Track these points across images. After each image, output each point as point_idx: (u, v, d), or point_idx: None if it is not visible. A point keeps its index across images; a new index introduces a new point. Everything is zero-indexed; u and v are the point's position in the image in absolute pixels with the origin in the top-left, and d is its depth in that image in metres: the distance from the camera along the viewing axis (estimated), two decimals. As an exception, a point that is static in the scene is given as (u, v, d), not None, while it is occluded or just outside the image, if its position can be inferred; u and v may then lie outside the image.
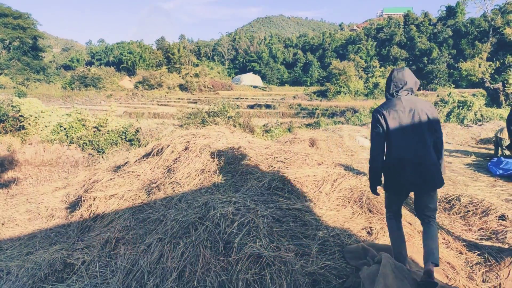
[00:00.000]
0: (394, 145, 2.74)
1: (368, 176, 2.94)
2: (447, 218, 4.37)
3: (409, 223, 3.81)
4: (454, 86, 19.76)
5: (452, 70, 64.45)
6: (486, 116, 15.39)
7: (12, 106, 11.68)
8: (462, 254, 3.46)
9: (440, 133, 2.82)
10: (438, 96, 18.32)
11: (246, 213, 3.26)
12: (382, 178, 2.88)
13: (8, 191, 7.21)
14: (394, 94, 2.83)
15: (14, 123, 11.43)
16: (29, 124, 11.34)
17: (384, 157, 2.83)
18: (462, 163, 7.73)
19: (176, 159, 5.29)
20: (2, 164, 9.02)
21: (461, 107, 15.85)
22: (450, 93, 16.62)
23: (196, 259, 2.99)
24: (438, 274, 2.81)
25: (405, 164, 2.69)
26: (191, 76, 75.28)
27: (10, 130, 11.36)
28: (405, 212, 4.05)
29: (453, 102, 16.17)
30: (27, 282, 3.50)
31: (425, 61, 71.89)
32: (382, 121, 2.75)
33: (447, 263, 3.17)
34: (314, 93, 47.49)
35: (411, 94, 2.83)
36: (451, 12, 78.18)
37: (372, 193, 2.94)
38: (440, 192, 5.07)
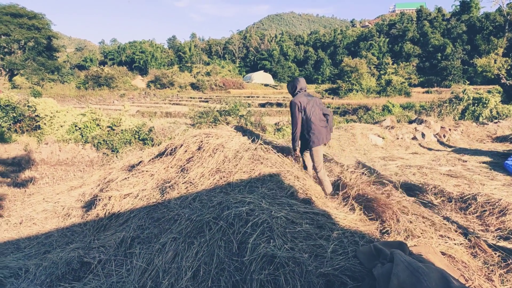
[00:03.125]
0: (312, 121, 4.77)
1: (292, 143, 4.94)
2: (463, 218, 4.31)
3: (431, 221, 3.77)
4: (468, 82, 19.30)
5: (466, 67, 63.34)
6: (502, 113, 15.06)
7: (28, 106, 11.89)
8: (479, 254, 3.41)
9: (329, 111, 5.05)
10: (452, 93, 17.94)
11: (260, 214, 3.27)
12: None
13: (25, 190, 7.35)
14: (299, 92, 4.95)
15: (30, 123, 11.64)
16: (45, 124, 11.53)
17: (306, 129, 4.83)
18: (477, 162, 7.60)
19: (190, 158, 5.32)
20: (19, 164, 9.21)
21: (476, 104, 15.52)
22: (464, 90, 16.27)
23: (210, 258, 3.02)
24: (455, 275, 2.78)
25: (320, 130, 4.78)
26: (203, 75, 75.71)
27: (27, 130, 11.58)
28: (422, 209, 4.02)
29: (468, 99, 15.84)
30: (45, 281, 3.57)
31: (439, 57, 70.79)
32: (301, 107, 4.77)
33: (464, 263, 3.13)
34: (326, 91, 47.17)
35: (306, 91, 5.05)
36: (465, 6, 76.75)
37: (295, 151, 5.09)
38: (455, 191, 5.01)
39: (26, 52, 48.23)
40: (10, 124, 11.24)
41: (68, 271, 3.65)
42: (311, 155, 4.90)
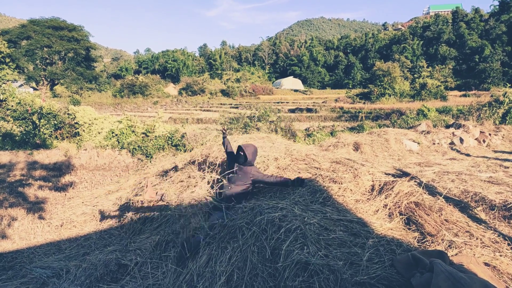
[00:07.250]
0: None
1: None
2: (507, 227, 4.09)
3: (470, 233, 3.61)
4: (510, 85, 18.31)
5: (507, 68, 60.52)
6: (547, 117, 14.21)
7: (68, 114, 12.47)
8: (526, 267, 3.21)
9: None
10: (492, 96, 17.13)
11: (292, 220, 3.25)
12: None
13: (65, 194, 7.68)
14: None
15: (70, 129, 12.20)
16: (84, 130, 12.05)
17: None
18: (522, 168, 7.20)
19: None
20: (60, 169, 9.64)
21: (518, 108, 14.75)
22: (505, 93, 15.44)
23: (244, 264, 3.02)
24: (500, 287, 2.64)
25: None
26: (232, 82, 76.82)
27: (67, 137, 12.15)
28: (464, 218, 3.85)
29: (509, 103, 15.03)
30: (85, 281, 3.71)
31: (477, 60, 68.10)
32: None
33: (510, 275, 2.95)
34: (357, 95, 46.37)
35: None
36: (505, 6, 73.55)
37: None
38: (498, 199, 4.76)
39: (66, 62, 50.74)
40: (51, 131, 11.81)
41: (106, 273, 3.78)
42: None
